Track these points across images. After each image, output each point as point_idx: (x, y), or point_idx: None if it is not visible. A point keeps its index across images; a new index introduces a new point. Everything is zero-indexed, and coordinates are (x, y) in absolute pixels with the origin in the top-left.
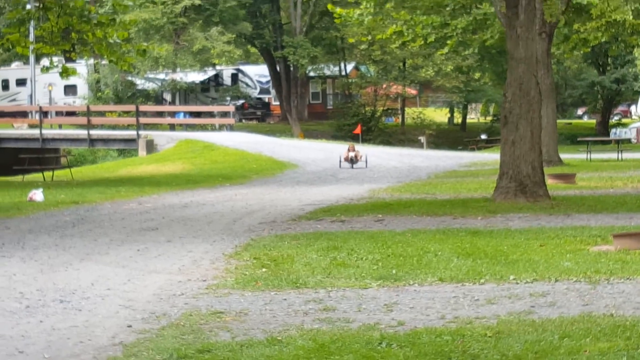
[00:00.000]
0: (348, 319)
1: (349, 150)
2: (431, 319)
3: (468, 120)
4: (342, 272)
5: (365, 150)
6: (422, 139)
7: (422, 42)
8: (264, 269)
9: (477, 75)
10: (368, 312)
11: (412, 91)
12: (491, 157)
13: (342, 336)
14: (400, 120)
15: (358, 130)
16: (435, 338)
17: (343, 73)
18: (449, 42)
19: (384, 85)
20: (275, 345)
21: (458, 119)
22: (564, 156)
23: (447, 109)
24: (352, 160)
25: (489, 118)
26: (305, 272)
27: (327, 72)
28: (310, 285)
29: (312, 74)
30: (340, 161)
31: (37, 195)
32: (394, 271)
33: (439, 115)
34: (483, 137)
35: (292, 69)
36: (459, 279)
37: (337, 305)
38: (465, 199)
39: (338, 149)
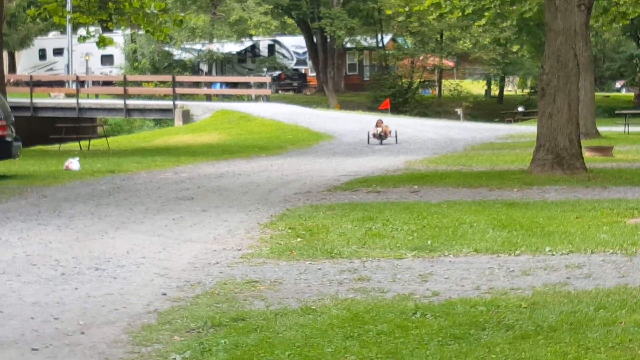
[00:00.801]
0: (382, 289)
1: (377, 125)
2: (466, 289)
3: (505, 93)
4: (377, 243)
5: (402, 122)
6: (459, 111)
7: (460, 13)
8: (299, 239)
9: (514, 47)
10: (402, 283)
11: (449, 63)
12: (528, 129)
13: (377, 306)
14: (437, 92)
15: (386, 104)
16: (469, 308)
17: (380, 45)
18: (486, 13)
19: (421, 57)
20: (310, 314)
21: (495, 91)
22: (601, 129)
23: (484, 82)
24: (381, 136)
25: (526, 90)
26: (340, 242)
27: (364, 44)
28: (345, 255)
29: (348, 45)
30: (368, 137)
31: (74, 164)
32: (429, 242)
33: (476, 87)
34: (520, 109)
35: (329, 40)
36: (495, 250)
37: (371, 275)
38: (501, 171)
39: (374, 121)
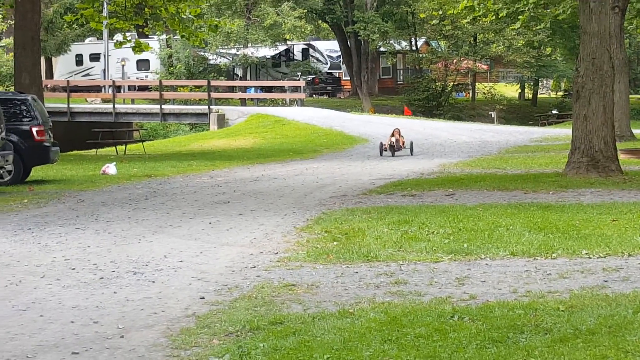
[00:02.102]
0: (420, 292)
1: (392, 135)
2: (503, 292)
3: (539, 96)
4: (413, 246)
5: (435, 125)
6: (493, 114)
7: (494, 17)
8: (335, 242)
9: (548, 50)
10: (439, 286)
11: (482, 66)
12: (562, 132)
13: (414, 309)
14: (470, 95)
15: (407, 112)
16: (507, 312)
17: (414, 48)
18: (520, 17)
19: (455, 61)
20: (347, 317)
21: (529, 94)
22: (636, 131)
23: (518, 84)
24: (393, 147)
25: (560, 93)
26: (377, 245)
27: (398, 47)
28: (382, 259)
29: (382, 49)
30: (380, 149)
31: (110, 168)
32: (465, 245)
33: (509, 90)
34: (554, 112)
35: (362, 44)
36: (531, 253)
37: (408, 279)
38: (536, 173)
39: (408, 124)
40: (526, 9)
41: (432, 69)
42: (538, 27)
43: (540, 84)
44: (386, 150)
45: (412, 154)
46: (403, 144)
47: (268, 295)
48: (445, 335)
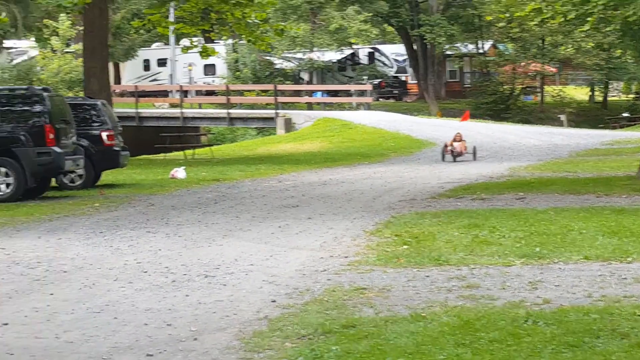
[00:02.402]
0: (492, 296)
1: (454, 139)
2: (577, 297)
3: (609, 98)
4: (484, 250)
5: (503, 128)
6: (563, 117)
7: (562, 19)
8: (405, 246)
9: (618, 52)
10: (512, 290)
11: (551, 69)
12: (634, 135)
13: (487, 313)
14: (539, 98)
15: (466, 117)
16: (582, 316)
17: (480, 51)
18: (589, 19)
19: (523, 63)
20: (420, 321)
21: (599, 97)
22: None
23: (588, 87)
24: (452, 152)
25: (632, 96)
26: (447, 249)
27: (464, 51)
28: (453, 263)
29: (449, 52)
30: (443, 153)
31: (179, 172)
32: (537, 249)
33: (579, 93)
34: (625, 115)
35: (429, 47)
36: (605, 258)
37: (480, 283)
38: (608, 177)
39: (476, 128)
40: (595, 10)
41: (500, 71)
42: (608, 29)
43: (610, 86)
44: (447, 155)
45: (474, 159)
46: (465, 149)
47: (339, 299)
48: (520, 339)
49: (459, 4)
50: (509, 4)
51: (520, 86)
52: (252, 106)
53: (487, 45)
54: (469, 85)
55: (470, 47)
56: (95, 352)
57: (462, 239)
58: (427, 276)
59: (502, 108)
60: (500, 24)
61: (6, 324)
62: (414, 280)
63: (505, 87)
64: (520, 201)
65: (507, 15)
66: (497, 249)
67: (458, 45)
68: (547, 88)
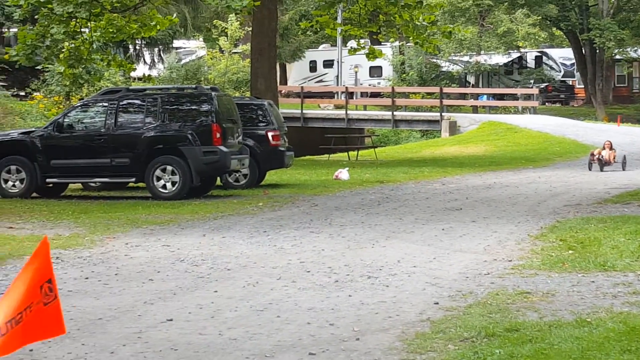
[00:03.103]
0: None
1: (603, 147)
2: None
3: None
4: None
5: None
6: None
7: None
8: (570, 251)
9: None
10: None
11: None
12: None
13: None
14: None
15: (618, 122)
16: None
17: None
18: None
19: None
20: (585, 326)
21: None
22: None
23: None
24: (600, 161)
25: None
26: (613, 255)
27: (634, 55)
28: (619, 269)
29: (618, 56)
30: (590, 163)
31: (343, 174)
32: None
33: None
34: None
35: (597, 51)
36: None
37: None
38: None
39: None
40: None
41: None
42: None
43: None
44: (594, 163)
45: (624, 170)
46: (614, 158)
47: (503, 302)
48: None
49: (630, 8)
50: None
51: None
52: (417, 109)
53: None
54: (637, 91)
55: None
56: (258, 350)
57: (629, 244)
58: (593, 282)
59: None
60: None
61: (170, 320)
62: (578, 285)
63: None
64: None
65: None
66: None
67: (628, 49)
68: None
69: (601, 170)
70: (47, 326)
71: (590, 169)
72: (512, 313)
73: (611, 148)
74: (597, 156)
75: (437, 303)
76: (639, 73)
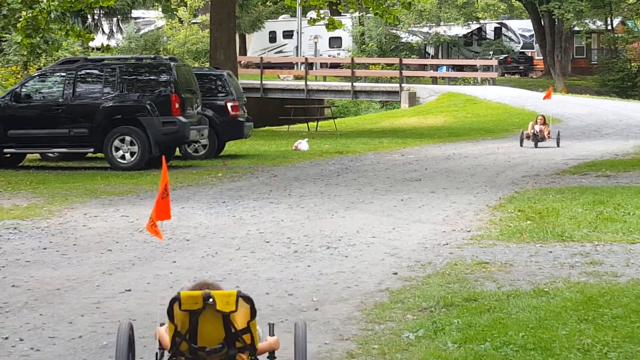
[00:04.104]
0: (616, 273)
1: (536, 122)
2: None
3: None
4: (608, 227)
5: (630, 106)
6: None
7: None
8: (528, 222)
9: None
10: (636, 267)
11: None
12: None
13: (611, 290)
14: None
15: (548, 95)
16: None
17: (609, 28)
18: None
19: None
20: (542, 296)
21: None
22: None
23: None
24: (537, 137)
25: None
26: (571, 225)
27: (593, 27)
28: (576, 239)
29: (577, 28)
30: (521, 139)
31: (303, 144)
32: None
33: None
34: None
35: (556, 23)
36: None
37: (604, 259)
38: None
39: (602, 105)
40: None
41: (628, 49)
42: None
43: None
44: (527, 139)
45: (558, 146)
46: (548, 134)
47: (461, 273)
48: None
49: None
50: None
51: None
52: (376, 79)
53: (616, 21)
54: (595, 62)
55: (599, 23)
56: None
57: (586, 215)
58: (550, 252)
59: (629, 86)
60: (631, 1)
61: (129, 290)
62: (536, 255)
63: (633, 64)
64: None
65: None
66: (621, 226)
67: (586, 21)
68: None
69: (535, 146)
70: (164, 211)
71: (521, 145)
72: (470, 283)
73: (544, 123)
74: (532, 131)
75: (396, 273)
76: (597, 45)
